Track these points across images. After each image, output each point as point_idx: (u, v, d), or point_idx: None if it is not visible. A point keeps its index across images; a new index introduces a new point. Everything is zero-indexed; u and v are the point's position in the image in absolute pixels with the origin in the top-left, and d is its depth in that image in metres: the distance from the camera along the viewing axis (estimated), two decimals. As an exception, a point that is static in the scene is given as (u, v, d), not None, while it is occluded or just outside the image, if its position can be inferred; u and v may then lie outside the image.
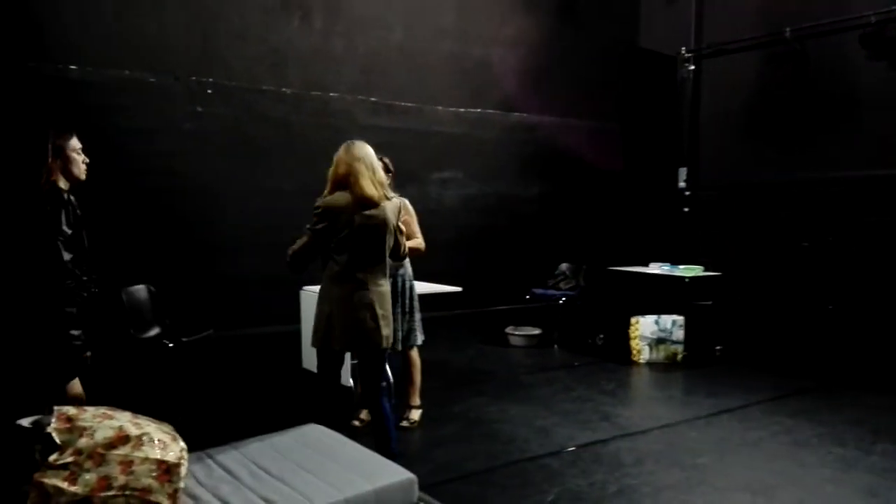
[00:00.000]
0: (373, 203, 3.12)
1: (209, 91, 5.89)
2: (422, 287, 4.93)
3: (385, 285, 3.25)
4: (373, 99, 6.84)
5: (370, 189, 3.11)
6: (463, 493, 3.38)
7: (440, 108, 7.31)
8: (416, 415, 4.44)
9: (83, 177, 2.99)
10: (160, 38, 5.63)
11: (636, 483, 3.51)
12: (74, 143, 2.96)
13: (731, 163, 7.91)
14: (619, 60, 8.43)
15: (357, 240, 3.13)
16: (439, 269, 6.90)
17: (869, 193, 6.58)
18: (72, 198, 2.86)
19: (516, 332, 6.89)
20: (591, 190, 8.29)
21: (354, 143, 3.26)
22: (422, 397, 4.52)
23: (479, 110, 7.57)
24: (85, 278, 2.90)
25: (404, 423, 4.36)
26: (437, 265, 7.02)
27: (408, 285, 4.29)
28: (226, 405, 4.74)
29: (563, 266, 7.33)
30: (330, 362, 3.36)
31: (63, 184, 2.89)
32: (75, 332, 2.78)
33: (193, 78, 5.81)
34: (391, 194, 3.28)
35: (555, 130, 8.07)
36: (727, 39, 7.80)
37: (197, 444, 2.74)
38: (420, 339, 4.34)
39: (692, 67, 8.17)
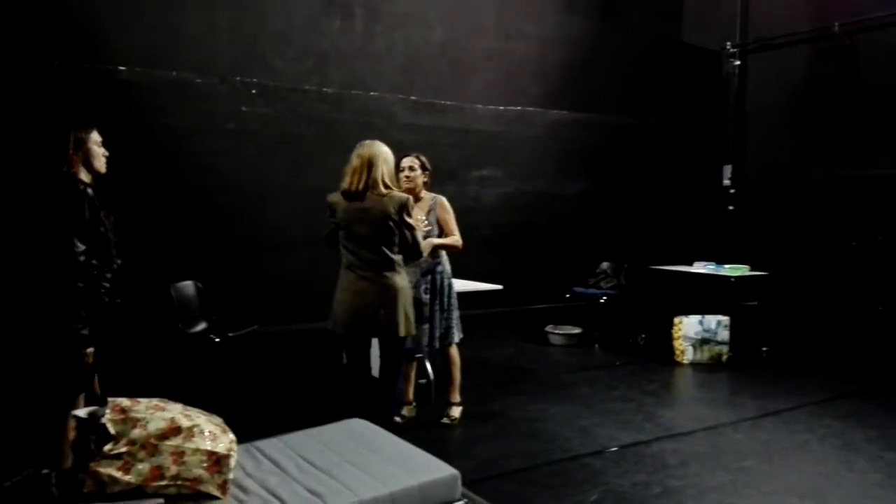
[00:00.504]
0: (354, 194, 3.30)
1: (253, 91, 5.99)
2: (462, 285, 4.94)
3: (391, 277, 3.35)
4: (413, 97, 6.87)
5: (346, 181, 3.34)
6: (504, 491, 3.37)
7: (480, 106, 7.30)
8: (456, 412, 4.45)
9: (104, 170, 3.02)
10: (206, 40, 5.75)
11: (680, 485, 3.46)
12: (95, 136, 3.00)
13: (777, 160, 7.74)
14: (661, 56, 8.32)
15: (352, 230, 3.34)
16: (479, 268, 6.91)
17: (922, 191, 6.39)
18: (89, 190, 2.86)
19: (556, 331, 6.85)
20: (632, 188, 8.19)
21: (364, 141, 3.43)
22: (461, 394, 4.52)
23: (518, 108, 7.54)
24: (105, 269, 2.90)
25: (444, 420, 4.39)
26: (477, 263, 7.02)
27: (446, 283, 4.30)
28: (270, 398, 4.81)
29: (604, 265, 7.25)
30: (349, 349, 3.57)
31: (85, 176, 2.93)
32: (79, 326, 2.77)
33: (238, 78, 5.91)
34: (386, 189, 3.32)
35: (595, 128, 7.99)
36: (773, 34, 7.64)
37: (243, 436, 2.78)
38: (458, 336, 4.36)
39: (737, 63, 8.02)
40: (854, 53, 6.90)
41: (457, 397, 4.46)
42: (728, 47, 8.02)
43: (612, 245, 7.71)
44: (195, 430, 2.10)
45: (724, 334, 6.05)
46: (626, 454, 3.87)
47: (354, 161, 3.36)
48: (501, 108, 7.45)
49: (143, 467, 2.01)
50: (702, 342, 6.06)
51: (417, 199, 4.04)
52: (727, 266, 6.43)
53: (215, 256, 5.65)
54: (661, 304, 6.55)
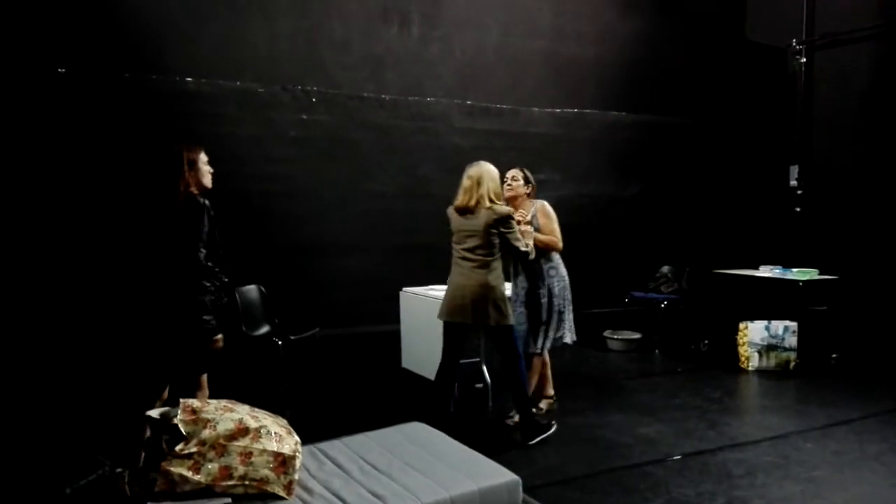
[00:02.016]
0: (466, 209, 3.87)
1: (314, 99, 6.10)
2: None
3: (484, 276, 3.83)
4: (469, 102, 6.88)
5: (460, 199, 3.92)
6: (565, 498, 3.35)
7: (536, 109, 7.27)
8: (545, 404, 4.68)
9: (210, 185, 3.38)
10: (268, 51, 5.89)
11: (747, 495, 3.37)
12: (203, 156, 3.36)
13: (845, 159, 7.47)
14: (724, 54, 8.12)
15: (460, 237, 3.92)
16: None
17: None
18: (207, 202, 3.22)
19: (615, 336, 6.76)
20: (694, 189, 8.01)
21: (473, 163, 3.95)
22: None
23: (575, 110, 7.48)
24: (217, 269, 3.27)
25: (534, 411, 4.44)
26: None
27: (559, 285, 4.56)
28: (331, 401, 4.89)
29: (665, 269, 7.12)
30: (447, 334, 4.03)
31: (196, 192, 3.25)
32: (207, 318, 3.13)
33: (299, 87, 6.04)
34: (490, 203, 3.83)
35: (655, 129, 7.86)
36: (840, 30, 7.36)
37: (306, 437, 2.85)
38: (570, 338, 4.63)
39: (803, 60, 7.77)
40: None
41: (550, 391, 4.74)
42: (793, 44, 7.77)
43: (673, 248, 7.56)
44: (262, 431, 2.15)
45: (791, 340, 5.86)
46: (689, 463, 3.79)
47: (465, 181, 3.88)
48: (558, 110, 7.39)
49: (213, 467, 2.07)
50: (768, 348, 5.88)
51: (519, 206, 4.42)
52: (794, 270, 6.23)
53: (277, 261, 5.78)
54: (725, 308, 6.38)
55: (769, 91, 8.07)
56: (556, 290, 4.52)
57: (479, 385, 4.86)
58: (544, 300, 4.45)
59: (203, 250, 3.12)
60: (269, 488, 2.15)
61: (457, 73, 6.85)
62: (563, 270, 4.60)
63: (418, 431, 2.70)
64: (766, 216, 7.89)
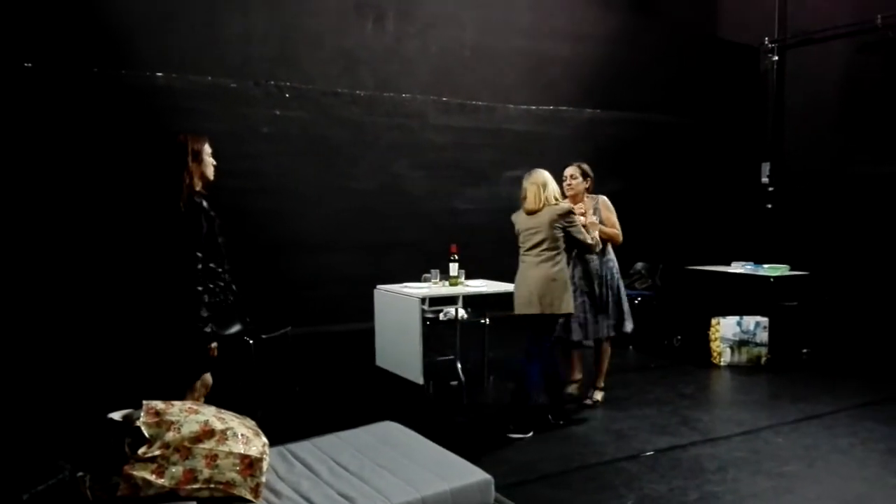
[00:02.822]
0: (534, 211, 4.20)
1: (287, 95, 6.04)
2: (482, 286, 4.95)
3: (545, 268, 4.15)
4: (444, 98, 6.86)
5: (529, 204, 4.23)
6: (538, 495, 3.34)
7: (512, 105, 7.27)
8: (599, 395, 4.84)
9: (212, 178, 3.20)
10: (241, 45, 5.82)
11: (719, 490, 3.39)
12: (208, 147, 3.18)
13: (816, 157, 7.56)
14: (697, 52, 8.18)
15: (526, 235, 4.24)
16: (511, 270, 6.86)
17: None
18: (204, 203, 3.05)
19: (591, 333, 6.75)
20: (668, 187, 8.07)
21: (530, 172, 4.28)
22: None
23: (551, 107, 7.49)
24: (220, 270, 3.13)
25: (587, 402, 4.77)
26: (509, 264, 6.98)
27: (616, 277, 4.76)
28: (304, 400, 4.85)
29: (639, 265, 7.14)
30: (528, 324, 4.29)
31: (198, 185, 3.09)
32: (202, 325, 2.99)
33: (272, 82, 5.98)
34: (555, 201, 4.19)
35: (630, 126, 7.90)
36: (813, 28, 7.45)
37: (276, 438, 2.81)
38: (629, 326, 4.81)
39: (776, 58, 7.85)
40: (897, 46, 6.71)
41: (602, 383, 4.89)
42: (766, 43, 7.85)
43: (647, 245, 7.59)
44: (228, 433, 2.11)
45: (762, 336, 5.92)
46: (661, 459, 3.80)
47: (531, 188, 4.20)
48: (534, 107, 7.40)
49: (177, 470, 2.03)
50: (740, 344, 5.94)
51: (579, 202, 4.60)
52: (766, 266, 6.29)
53: (249, 259, 5.69)
54: (697, 304, 6.42)
55: (742, 89, 8.15)
56: (611, 282, 4.70)
57: (454, 382, 4.85)
58: (602, 290, 4.63)
59: (198, 253, 2.98)
60: (235, 491, 2.11)
61: (432, 69, 6.82)
62: (616, 263, 4.78)
63: (390, 431, 2.68)
64: (738, 213, 7.97)
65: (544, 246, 4.15)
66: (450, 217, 6.87)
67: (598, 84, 7.72)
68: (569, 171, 4.68)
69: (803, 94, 7.73)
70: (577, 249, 4.40)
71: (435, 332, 5.13)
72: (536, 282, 4.12)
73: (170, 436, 2.05)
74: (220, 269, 3.13)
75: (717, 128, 8.15)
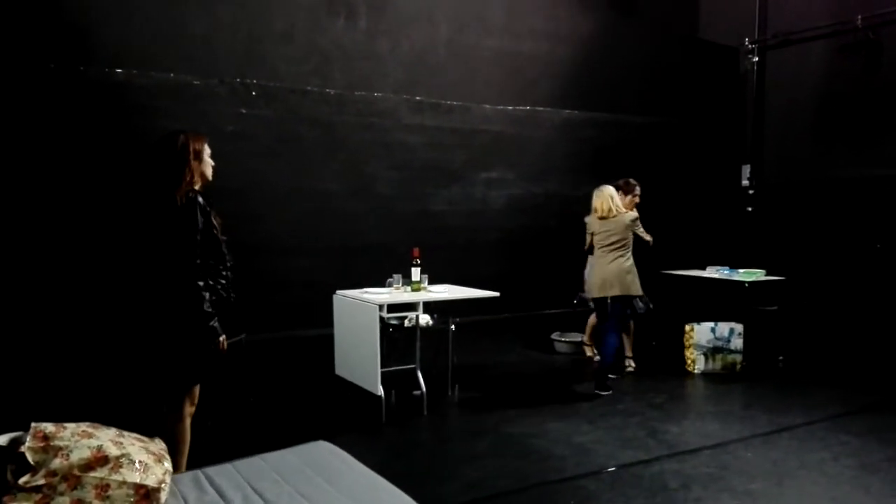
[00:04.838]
0: (606, 218, 5.39)
1: (253, 93, 5.87)
2: (445, 292, 4.82)
3: (620, 261, 5.31)
4: (418, 98, 6.70)
5: (601, 212, 5.42)
6: (486, 518, 3.20)
7: (487, 105, 7.12)
8: (632, 364, 5.99)
9: (211, 178, 3.15)
10: (205, 41, 5.64)
11: (680, 510, 3.26)
12: (208, 147, 3.14)
13: (797, 159, 7.47)
14: (677, 53, 8.05)
15: (602, 236, 5.40)
16: (486, 272, 6.74)
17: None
18: (199, 198, 3.00)
19: (562, 339, 6.63)
20: (646, 188, 7.92)
21: (598, 189, 5.49)
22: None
23: (528, 107, 7.35)
24: (221, 267, 3.09)
25: (629, 369, 5.93)
26: (484, 268, 6.86)
27: None
28: (257, 412, 4.68)
29: (615, 269, 7.02)
30: (599, 306, 5.62)
31: (197, 184, 3.04)
32: (206, 319, 2.95)
33: (238, 80, 5.80)
34: (624, 210, 5.49)
35: (608, 127, 7.76)
36: (793, 29, 7.35)
37: (221, 453, 2.74)
38: (639, 306, 5.82)
39: (756, 59, 7.75)
40: (878, 48, 6.62)
41: (629, 352, 6.09)
42: (746, 43, 7.74)
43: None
44: (123, 460, 1.94)
45: (737, 343, 5.81)
46: (623, 475, 3.66)
47: (603, 200, 5.39)
48: (510, 107, 7.25)
49: (63, 501, 1.85)
50: (714, 351, 5.82)
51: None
52: (742, 271, 6.18)
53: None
54: (671, 310, 6.30)
55: (722, 90, 8.04)
56: None
57: (417, 392, 4.69)
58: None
59: (196, 249, 2.93)
60: (129, 525, 1.93)
61: (406, 67, 6.66)
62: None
63: (320, 453, 2.51)
64: (717, 216, 7.86)
65: (619, 244, 5.32)
66: (422, 219, 6.72)
67: (575, 84, 7.59)
68: (638, 187, 5.94)
69: (783, 95, 7.63)
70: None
71: (400, 339, 4.98)
72: (614, 272, 5.28)
73: (57, 463, 1.87)
74: (220, 267, 3.09)
75: (696, 130, 8.03)
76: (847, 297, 6.74)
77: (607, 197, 5.41)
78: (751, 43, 7.73)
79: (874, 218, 6.62)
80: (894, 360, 6.04)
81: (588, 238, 5.64)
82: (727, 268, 6.35)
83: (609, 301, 5.33)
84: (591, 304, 5.92)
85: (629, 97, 7.88)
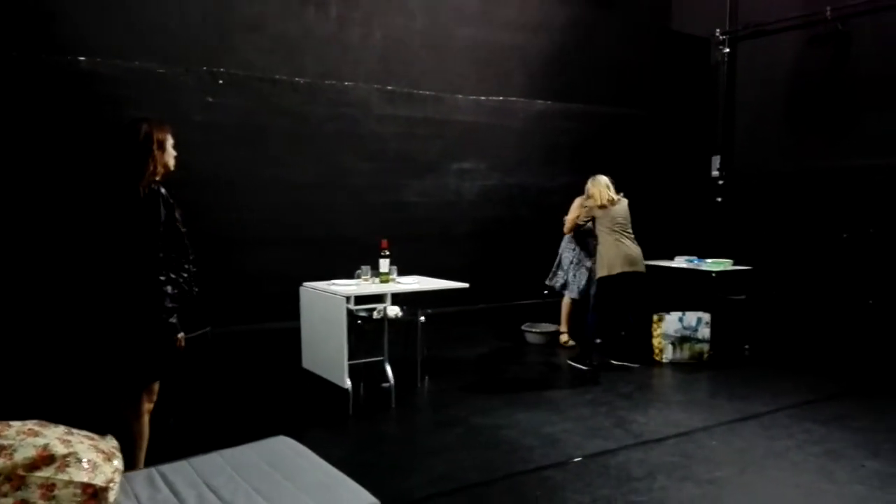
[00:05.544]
0: (610, 202, 5.72)
1: (220, 81, 5.78)
2: (414, 283, 4.80)
3: (635, 242, 5.71)
4: (390, 87, 6.65)
5: (605, 200, 5.73)
6: (455, 509, 3.20)
7: (461, 96, 7.08)
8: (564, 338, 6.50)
9: (173, 168, 3.09)
10: (171, 29, 5.54)
11: (643, 500, 3.27)
12: (171, 137, 3.08)
13: (767, 150, 7.53)
14: (649, 44, 8.07)
15: (615, 220, 5.69)
16: (459, 262, 6.73)
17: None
18: (162, 190, 2.95)
19: (532, 330, 6.65)
20: (619, 179, 7.93)
21: (595, 176, 5.87)
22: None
23: (501, 98, 7.32)
24: (182, 260, 3.04)
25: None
26: (455, 259, 6.84)
27: None
28: (221, 406, 4.63)
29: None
30: (622, 284, 5.66)
31: (159, 174, 3.00)
32: (166, 315, 2.90)
33: (205, 68, 5.71)
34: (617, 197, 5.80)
35: (581, 118, 7.77)
36: (764, 20, 7.39)
37: (182, 449, 2.69)
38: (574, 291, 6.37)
39: (727, 50, 7.78)
40: (847, 39, 6.67)
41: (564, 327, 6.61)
42: (717, 34, 7.78)
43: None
44: (70, 459, 1.89)
45: (704, 332, 5.87)
46: (589, 465, 3.68)
47: (601, 188, 5.75)
48: (483, 98, 7.23)
49: (7, 502, 1.80)
50: (682, 340, 5.87)
51: None
52: (709, 260, 6.23)
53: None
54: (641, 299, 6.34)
55: (693, 81, 8.07)
56: None
57: (386, 385, 4.67)
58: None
59: (158, 242, 2.88)
60: (75, 526, 1.89)
61: (377, 57, 6.60)
62: None
63: (279, 448, 2.48)
64: (685, 206, 7.92)
65: (629, 226, 5.72)
66: (394, 211, 6.68)
67: (549, 75, 7.58)
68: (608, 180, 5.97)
69: (754, 86, 7.68)
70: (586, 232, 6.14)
71: (369, 332, 4.95)
72: (637, 251, 5.65)
73: (0, 462, 1.83)
74: (182, 260, 3.03)
75: (667, 120, 8.07)
76: (813, 286, 6.83)
77: (607, 183, 5.78)
78: (722, 34, 7.76)
79: (842, 208, 6.70)
80: (858, 349, 6.14)
81: (571, 219, 6.14)
82: (695, 257, 6.40)
83: (632, 276, 5.64)
84: (595, 286, 5.84)
85: (602, 88, 7.90)
